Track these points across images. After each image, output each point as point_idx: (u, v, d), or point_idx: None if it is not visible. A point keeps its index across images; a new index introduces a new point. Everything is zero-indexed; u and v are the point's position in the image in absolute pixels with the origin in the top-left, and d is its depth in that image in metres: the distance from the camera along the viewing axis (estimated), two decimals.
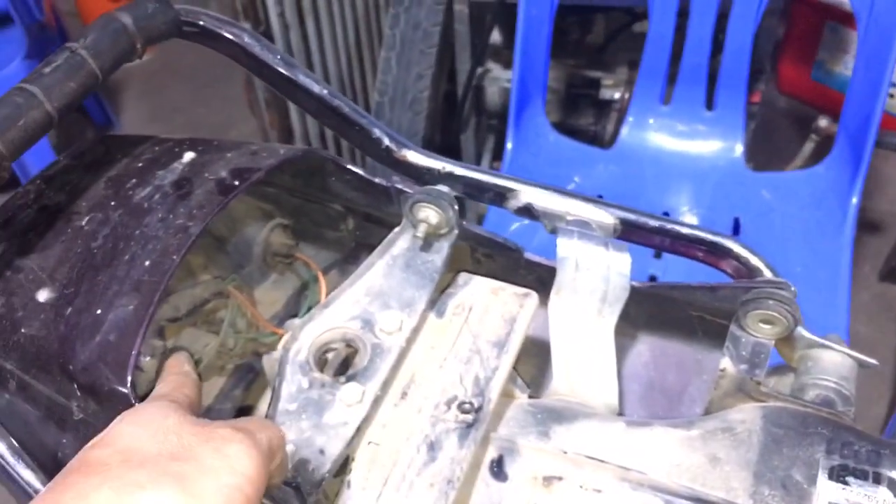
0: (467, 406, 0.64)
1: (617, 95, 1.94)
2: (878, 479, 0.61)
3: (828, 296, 1.38)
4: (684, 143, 1.62)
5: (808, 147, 1.81)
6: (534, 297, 0.72)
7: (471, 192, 0.78)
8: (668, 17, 1.55)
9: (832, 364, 0.69)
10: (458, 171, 0.77)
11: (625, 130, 1.65)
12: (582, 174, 1.60)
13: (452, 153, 2.00)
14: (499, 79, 1.92)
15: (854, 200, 1.43)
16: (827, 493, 0.60)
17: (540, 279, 0.78)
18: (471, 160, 2.01)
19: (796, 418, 0.65)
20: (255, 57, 0.73)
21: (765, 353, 0.68)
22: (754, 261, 0.71)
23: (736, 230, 1.52)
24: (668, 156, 1.61)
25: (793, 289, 0.68)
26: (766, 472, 0.62)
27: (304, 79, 0.74)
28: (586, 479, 0.63)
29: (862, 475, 0.61)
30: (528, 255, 0.76)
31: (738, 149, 1.60)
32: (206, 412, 0.76)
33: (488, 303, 0.72)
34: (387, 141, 0.77)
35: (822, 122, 1.78)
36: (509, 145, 1.58)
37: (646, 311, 0.80)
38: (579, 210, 0.76)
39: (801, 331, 0.70)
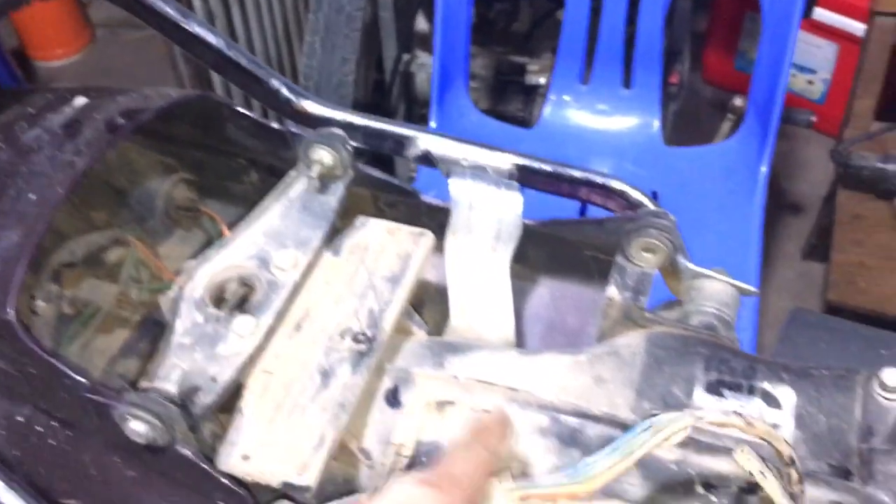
0: (361, 337, 0.66)
1: (543, 80, 1.98)
2: (752, 391, 0.64)
3: (741, 261, 1.44)
4: (604, 121, 1.66)
5: (726, 126, 1.88)
6: (429, 235, 0.74)
7: (371, 142, 0.80)
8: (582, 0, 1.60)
9: (714, 292, 0.73)
10: (358, 120, 0.79)
11: (547, 110, 1.69)
12: None
13: None
14: (426, 66, 1.94)
15: (763, 169, 1.49)
16: (703, 404, 0.63)
17: (441, 226, 0.80)
18: None
19: (678, 341, 0.68)
20: (149, 7, 0.74)
21: (647, 280, 0.72)
22: (636, 195, 0.74)
23: None
24: (589, 133, 1.66)
25: (672, 217, 0.72)
26: (648, 390, 0.65)
27: (199, 29, 0.75)
28: (476, 402, 0.65)
29: (736, 388, 0.64)
30: (425, 198, 0.78)
31: (656, 125, 1.65)
32: (109, 363, 0.76)
33: (384, 242, 0.73)
34: (285, 91, 0.78)
35: (738, 102, 1.84)
36: (433, 124, 1.61)
37: (544, 253, 0.83)
38: (475, 156, 0.78)
39: (685, 262, 0.74)
